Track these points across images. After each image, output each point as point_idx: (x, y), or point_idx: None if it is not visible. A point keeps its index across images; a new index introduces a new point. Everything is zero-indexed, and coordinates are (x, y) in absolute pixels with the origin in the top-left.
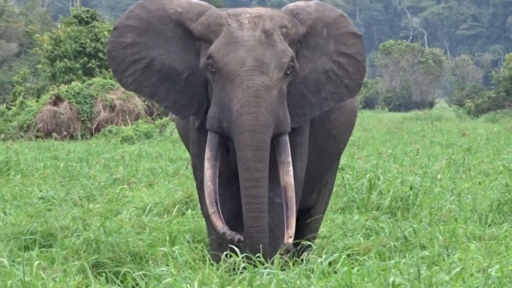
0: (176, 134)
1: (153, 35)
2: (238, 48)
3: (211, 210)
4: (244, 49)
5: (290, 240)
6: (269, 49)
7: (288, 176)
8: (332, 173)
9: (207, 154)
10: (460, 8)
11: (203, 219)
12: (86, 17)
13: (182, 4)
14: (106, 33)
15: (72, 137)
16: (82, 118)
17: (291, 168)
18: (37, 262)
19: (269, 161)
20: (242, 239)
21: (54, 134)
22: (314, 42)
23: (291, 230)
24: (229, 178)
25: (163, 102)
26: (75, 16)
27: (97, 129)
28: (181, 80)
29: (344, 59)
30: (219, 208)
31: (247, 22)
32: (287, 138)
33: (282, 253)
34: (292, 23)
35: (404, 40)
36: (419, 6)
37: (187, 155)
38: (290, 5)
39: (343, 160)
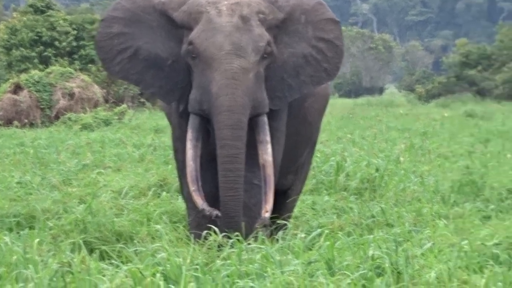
0: (134, 122)
1: (138, 25)
2: (216, 34)
3: (192, 188)
4: (222, 34)
5: (267, 215)
6: (246, 34)
7: (266, 155)
8: (308, 155)
9: (189, 135)
10: None
11: (179, 200)
12: (42, 6)
13: None
14: (61, 22)
15: (32, 125)
16: (42, 106)
17: (269, 146)
18: (37, 240)
19: (248, 143)
20: (220, 215)
21: (15, 122)
22: (293, 28)
23: (269, 205)
24: (208, 161)
25: (149, 88)
26: (31, 5)
27: (57, 117)
28: (166, 67)
29: (323, 44)
30: (200, 186)
31: (225, 9)
32: (266, 118)
33: (259, 227)
34: (270, 9)
35: (354, 27)
36: None
37: (149, 141)
38: None
39: None
